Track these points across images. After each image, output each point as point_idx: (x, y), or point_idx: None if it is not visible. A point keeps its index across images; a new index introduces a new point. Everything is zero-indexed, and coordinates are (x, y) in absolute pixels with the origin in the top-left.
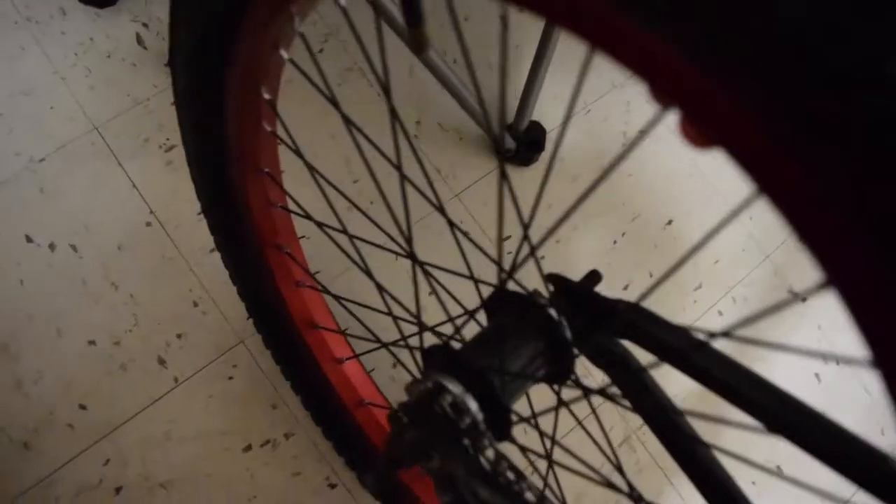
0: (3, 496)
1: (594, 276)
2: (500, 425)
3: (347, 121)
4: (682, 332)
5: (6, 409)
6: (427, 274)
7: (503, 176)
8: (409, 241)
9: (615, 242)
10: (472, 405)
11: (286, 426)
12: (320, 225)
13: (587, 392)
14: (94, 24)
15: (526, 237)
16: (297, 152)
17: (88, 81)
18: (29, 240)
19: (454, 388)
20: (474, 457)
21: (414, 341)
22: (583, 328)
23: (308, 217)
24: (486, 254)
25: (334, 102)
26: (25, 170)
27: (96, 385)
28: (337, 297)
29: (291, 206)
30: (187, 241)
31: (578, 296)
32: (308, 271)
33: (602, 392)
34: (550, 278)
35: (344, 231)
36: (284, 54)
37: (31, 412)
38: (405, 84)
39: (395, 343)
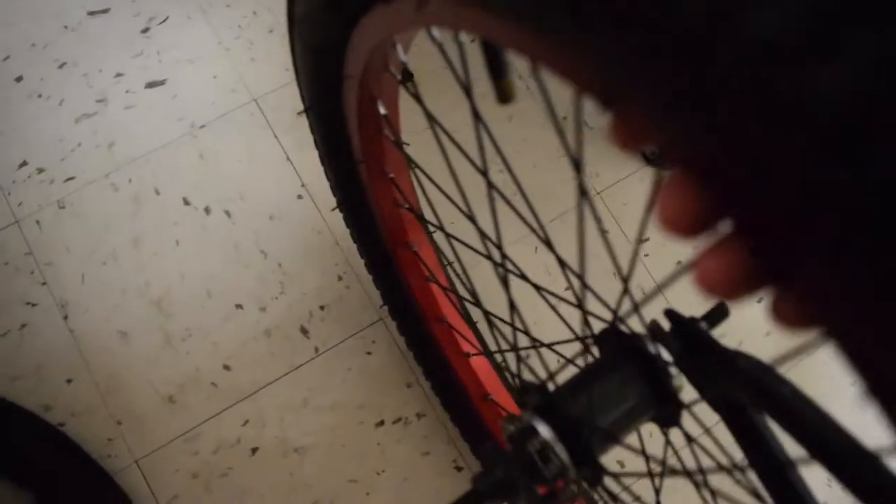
0: (147, 445)
1: (720, 312)
2: (591, 475)
3: (477, 116)
4: (830, 422)
5: (155, 363)
6: (537, 289)
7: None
8: (501, 254)
9: None
10: (562, 453)
11: (419, 406)
12: (424, 222)
13: (694, 472)
14: None
15: (626, 285)
16: (404, 152)
17: (250, 54)
18: (186, 202)
19: (545, 432)
20: None
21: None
22: (696, 378)
23: (421, 218)
24: (593, 292)
25: (468, 91)
26: (187, 135)
27: (241, 348)
28: (446, 292)
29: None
30: (336, 217)
31: (694, 340)
32: (433, 270)
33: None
34: (668, 315)
35: (441, 229)
36: (396, 75)
37: (178, 368)
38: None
39: (492, 353)
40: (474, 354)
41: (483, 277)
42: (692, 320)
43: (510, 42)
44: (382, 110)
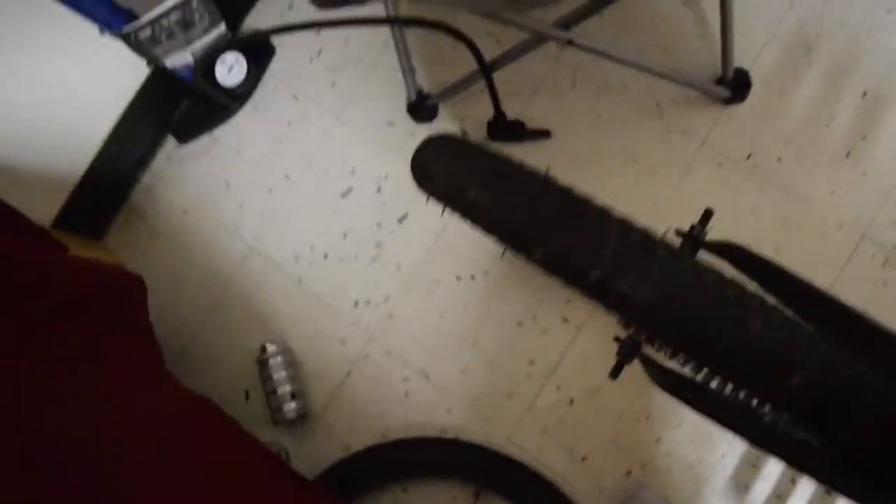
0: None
1: (706, 214)
2: None
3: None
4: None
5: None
6: None
7: None
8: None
9: None
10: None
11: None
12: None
13: None
14: None
15: None
16: None
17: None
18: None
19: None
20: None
21: None
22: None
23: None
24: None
25: None
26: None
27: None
28: None
29: None
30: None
31: (694, 239)
32: None
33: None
34: (677, 232)
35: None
36: None
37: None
38: None
39: None
40: None
41: None
42: (691, 228)
43: None
44: None
